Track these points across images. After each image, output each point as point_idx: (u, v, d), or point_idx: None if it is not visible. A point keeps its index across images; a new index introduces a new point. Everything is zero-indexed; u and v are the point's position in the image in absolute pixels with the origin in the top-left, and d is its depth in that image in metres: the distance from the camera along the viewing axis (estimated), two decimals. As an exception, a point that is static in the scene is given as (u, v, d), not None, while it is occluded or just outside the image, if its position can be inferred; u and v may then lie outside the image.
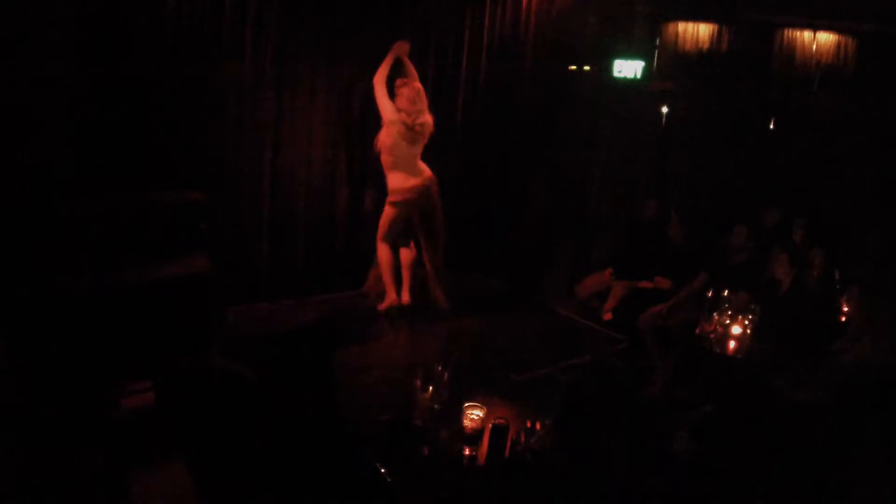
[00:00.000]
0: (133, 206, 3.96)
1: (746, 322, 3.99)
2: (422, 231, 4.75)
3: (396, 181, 4.61)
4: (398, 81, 4.55)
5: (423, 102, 4.56)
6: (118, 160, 4.03)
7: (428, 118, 4.58)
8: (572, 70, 6.53)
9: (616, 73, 6.42)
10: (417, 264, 4.90)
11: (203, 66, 4.39)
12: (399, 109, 4.48)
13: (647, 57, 6.52)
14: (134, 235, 3.88)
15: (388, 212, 4.71)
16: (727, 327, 4.01)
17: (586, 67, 6.56)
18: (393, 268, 4.82)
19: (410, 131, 4.48)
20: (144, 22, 4.12)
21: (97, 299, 3.51)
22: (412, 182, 4.61)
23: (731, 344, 3.96)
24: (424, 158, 4.74)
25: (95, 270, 3.67)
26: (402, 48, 4.59)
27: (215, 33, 4.41)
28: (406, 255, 4.89)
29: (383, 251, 4.79)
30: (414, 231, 4.78)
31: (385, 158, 4.60)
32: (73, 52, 3.85)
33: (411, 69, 4.67)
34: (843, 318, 4.26)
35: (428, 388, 2.90)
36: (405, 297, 4.83)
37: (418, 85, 4.59)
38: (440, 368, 2.96)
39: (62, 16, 3.78)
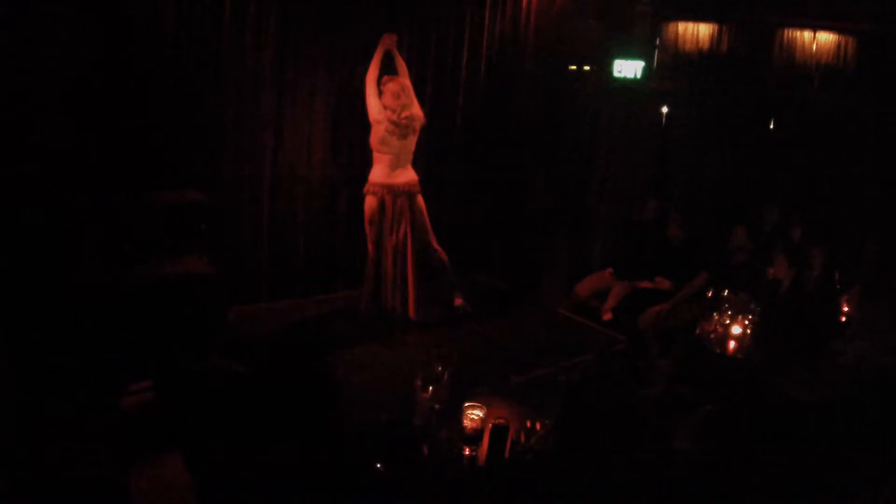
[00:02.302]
0: (133, 206, 3.97)
1: (746, 322, 3.99)
2: (411, 238, 4.66)
3: (378, 175, 4.57)
4: (384, 78, 4.53)
5: (409, 97, 4.53)
6: (118, 160, 4.04)
7: (415, 111, 4.55)
8: (572, 70, 6.53)
9: (616, 73, 6.42)
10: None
11: (203, 66, 4.39)
12: (385, 107, 4.47)
13: (647, 57, 6.52)
14: (134, 235, 3.89)
15: (366, 202, 4.64)
16: (727, 327, 4.00)
17: (586, 67, 6.56)
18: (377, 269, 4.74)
19: (397, 126, 4.46)
20: (145, 23, 4.13)
21: (97, 299, 3.51)
22: (392, 180, 4.57)
23: (731, 344, 3.95)
24: (426, 155, 4.72)
25: (95, 270, 3.67)
26: (389, 40, 4.57)
27: (215, 33, 4.41)
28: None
29: (371, 255, 4.71)
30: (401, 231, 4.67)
31: (376, 155, 4.59)
32: (73, 52, 3.85)
33: (402, 64, 4.64)
34: (843, 318, 4.25)
35: (428, 388, 2.90)
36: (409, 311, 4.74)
37: (404, 80, 4.56)
38: (440, 368, 2.96)
39: (62, 16, 3.78)
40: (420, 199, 4.70)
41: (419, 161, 4.86)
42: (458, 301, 4.91)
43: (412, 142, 4.61)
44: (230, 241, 4.69)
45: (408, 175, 4.64)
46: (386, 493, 2.49)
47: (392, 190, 4.56)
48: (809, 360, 3.84)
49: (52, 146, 3.78)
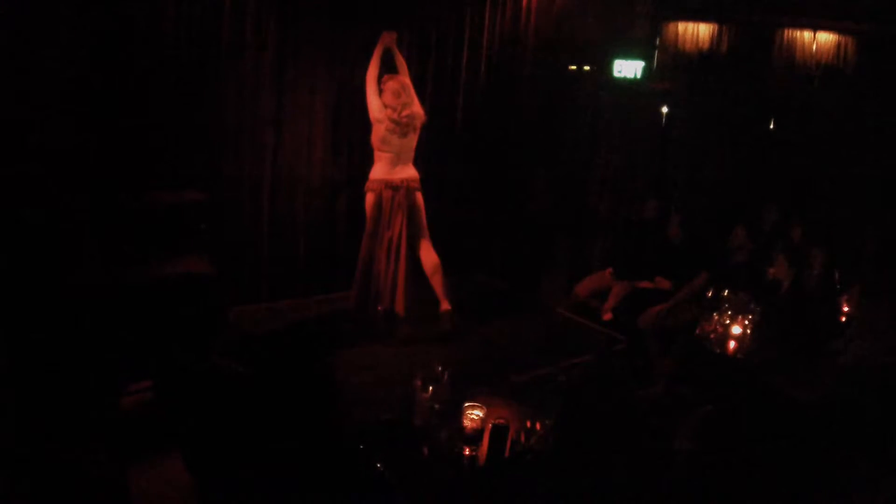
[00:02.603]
0: (133, 206, 3.97)
1: (746, 322, 3.99)
2: (406, 233, 4.62)
3: (379, 173, 4.56)
4: (384, 77, 4.52)
5: (410, 95, 4.51)
6: (118, 160, 4.04)
7: (415, 109, 4.53)
8: (572, 70, 6.53)
9: (616, 73, 6.42)
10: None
11: (203, 65, 4.39)
12: (385, 105, 4.46)
13: (647, 57, 6.52)
14: (134, 235, 3.89)
15: (367, 199, 4.62)
16: (727, 327, 4.00)
17: (586, 67, 6.56)
18: (372, 268, 4.67)
19: (398, 124, 4.45)
20: (145, 23, 4.13)
21: (97, 299, 3.51)
22: (392, 176, 4.55)
23: (731, 344, 3.96)
24: (426, 154, 4.70)
25: (95, 270, 3.67)
26: (389, 38, 4.55)
27: (215, 33, 4.41)
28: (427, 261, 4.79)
29: (364, 247, 4.65)
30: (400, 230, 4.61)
31: (377, 154, 4.59)
32: (73, 52, 3.85)
33: (402, 62, 4.63)
34: (843, 318, 4.26)
35: (428, 388, 2.90)
36: (398, 306, 4.64)
37: (404, 79, 4.54)
38: (440, 368, 2.97)
39: (62, 16, 3.78)
40: (419, 197, 4.68)
41: (419, 160, 4.85)
42: (446, 306, 4.80)
43: (413, 140, 4.60)
44: (230, 242, 4.69)
45: (408, 172, 4.63)
46: (386, 493, 2.49)
47: (390, 185, 4.55)
48: (809, 360, 3.84)
49: (52, 146, 3.78)
